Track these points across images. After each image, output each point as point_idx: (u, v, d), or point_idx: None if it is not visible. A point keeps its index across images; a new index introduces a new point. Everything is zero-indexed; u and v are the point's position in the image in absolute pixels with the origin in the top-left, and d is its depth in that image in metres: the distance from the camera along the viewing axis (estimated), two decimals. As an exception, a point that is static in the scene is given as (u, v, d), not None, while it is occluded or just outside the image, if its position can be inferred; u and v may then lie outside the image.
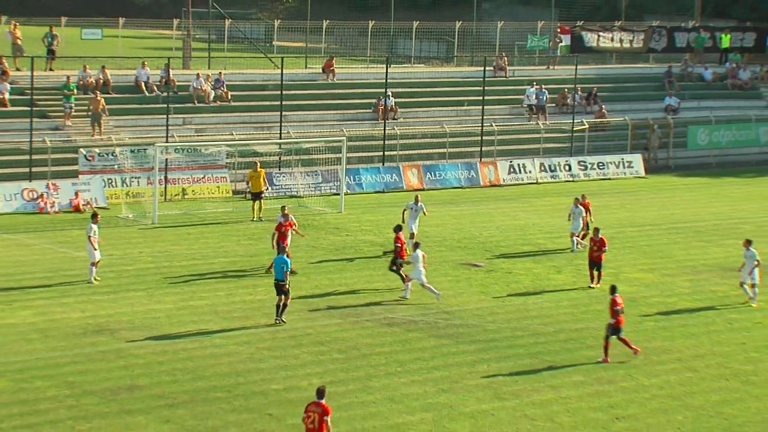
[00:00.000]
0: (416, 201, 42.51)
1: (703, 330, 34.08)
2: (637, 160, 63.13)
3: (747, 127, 69.45)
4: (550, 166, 60.46)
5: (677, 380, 29.58)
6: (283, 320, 32.81)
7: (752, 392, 29.00)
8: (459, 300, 36.28)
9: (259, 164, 48.01)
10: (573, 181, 60.20)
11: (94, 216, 37.87)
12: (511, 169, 59.27)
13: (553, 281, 38.91)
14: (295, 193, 52.59)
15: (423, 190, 55.24)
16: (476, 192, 56.29)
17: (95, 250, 36.77)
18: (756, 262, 36.49)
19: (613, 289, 31.09)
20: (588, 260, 38.36)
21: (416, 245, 36.18)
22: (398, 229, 37.37)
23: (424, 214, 42.42)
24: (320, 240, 44.04)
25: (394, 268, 36.74)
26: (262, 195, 47.40)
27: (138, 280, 37.29)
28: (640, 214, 51.55)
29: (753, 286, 36.66)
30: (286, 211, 39.46)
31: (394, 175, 56.25)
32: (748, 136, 69.36)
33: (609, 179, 61.14)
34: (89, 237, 36.79)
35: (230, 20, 75.28)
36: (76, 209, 47.99)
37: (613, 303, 30.71)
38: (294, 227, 39.32)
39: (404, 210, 42.73)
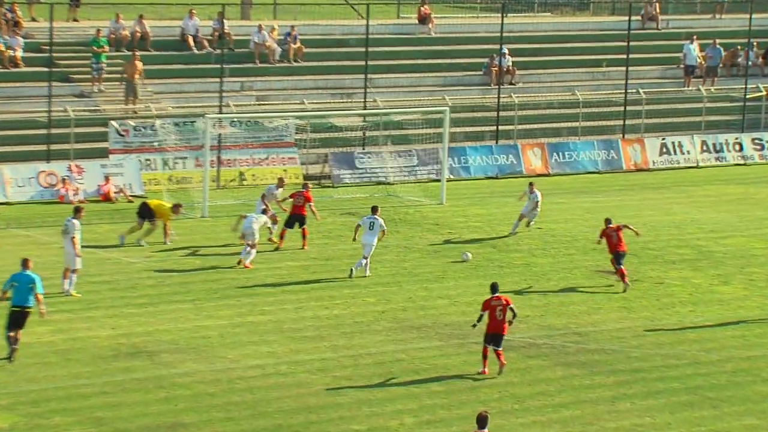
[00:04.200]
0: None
1: None
2: (833, 137, 62.45)
3: None
4: (714, 145, 60.01)
5: None
6: (12, 359, 30.66)
7: None
8: (595, 318, 36.12)
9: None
10: (745, 164, 59.67)
11: (78, 210, 37.30)
12: (664, 149, 58.93)
13: (718, 294, 38.61)
14: (383, 179, 52.74)
15: (548, 175, 55.14)
16: (617, 178, 56.01)
17: (77, 256, 36.19)
18: None
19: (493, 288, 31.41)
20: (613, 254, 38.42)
21: (374, 209, 40.01)
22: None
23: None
24: (415, 239, 44.17)
25: None
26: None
27: (183, 289, 37.63)
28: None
29: None
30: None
31: (510, 156, 56.21)
32: None
33: (793, 162, 60.68)
34: (72, 237, 36.14)
35: (302, -44, 75.66)
36: (106, 198, 48.39)
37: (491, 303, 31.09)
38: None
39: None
